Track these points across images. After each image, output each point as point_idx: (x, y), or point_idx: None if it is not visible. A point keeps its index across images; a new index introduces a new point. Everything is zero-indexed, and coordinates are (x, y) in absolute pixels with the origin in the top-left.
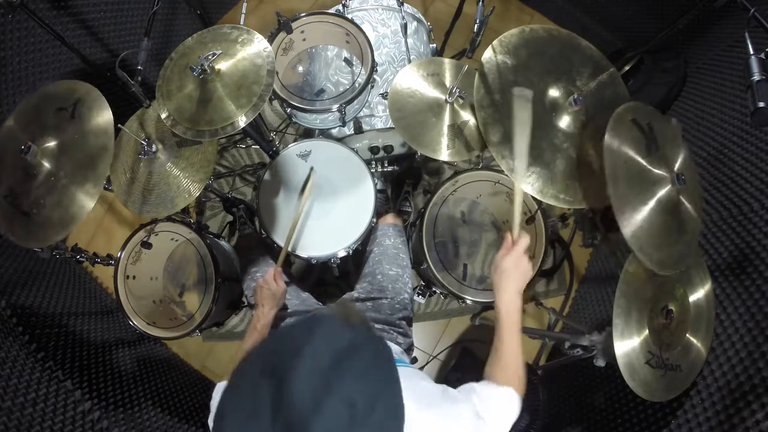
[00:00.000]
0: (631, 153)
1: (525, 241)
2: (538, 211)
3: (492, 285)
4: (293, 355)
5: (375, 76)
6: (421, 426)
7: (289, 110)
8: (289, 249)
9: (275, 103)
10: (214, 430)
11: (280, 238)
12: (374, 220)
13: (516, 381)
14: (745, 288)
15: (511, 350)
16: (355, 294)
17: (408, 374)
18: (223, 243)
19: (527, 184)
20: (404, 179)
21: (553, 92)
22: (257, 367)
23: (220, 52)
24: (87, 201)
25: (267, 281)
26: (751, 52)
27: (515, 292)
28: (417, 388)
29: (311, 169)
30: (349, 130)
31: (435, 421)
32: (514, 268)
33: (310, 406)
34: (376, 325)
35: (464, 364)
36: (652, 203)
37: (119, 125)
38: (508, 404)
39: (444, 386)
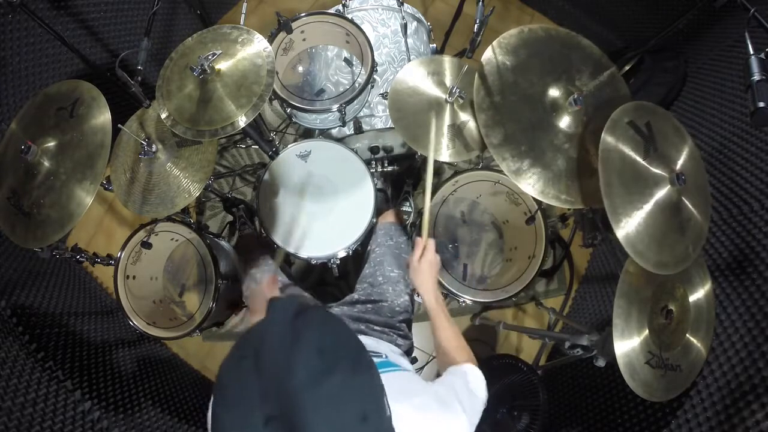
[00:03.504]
0: (629, 156)
1: (432, 242)
2: (538, 211)
3: (415, 285)
4: (258, 337)
5: (375, 76)
6: (413, 428)
7: (289, 110)
8: (289, 250)
9: (275, 103)
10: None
11: (280, 238)
12: (374, 220)
13: (471, 356)
14: (745, 288)
15: (454, 334)
16: (355, 296)
17: (403, 378)
18: (223, 243)
19: (527, 185)
20: (404, 179)
21: (553, 92)
22: (236, 356)
23: (220, 52)
24: (85, 198)
25: (263, 290)
26: (751, 52)
27: (436, 286)
28: (410, 392)
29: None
30: (349, 130)
31: (427, 424)
32: (430, 266)
33: (284, 365)
34: (376, 327)
35: None
36: (650, 205)
37: (119, 125)
38: (477, 379)
39: (435, 389)
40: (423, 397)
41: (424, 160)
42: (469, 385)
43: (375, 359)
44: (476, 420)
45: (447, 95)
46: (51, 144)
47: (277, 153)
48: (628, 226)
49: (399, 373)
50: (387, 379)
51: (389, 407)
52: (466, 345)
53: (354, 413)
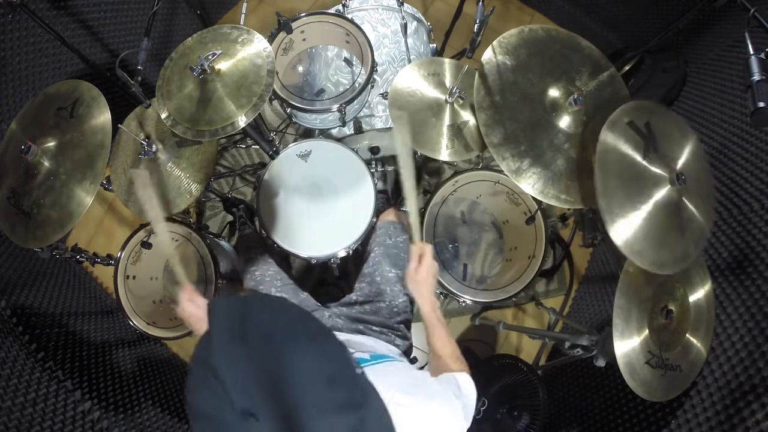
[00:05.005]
0: (627, 155)
1: (429, 247)
2: (538, 211)
3: (413, 294)
4: (209, 349)
5: (375, 76)
6: (414, 413)
7: (289, 110)
8: (289, 249)
9: (275, 103)
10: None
11: (280, 238)
12: (374, 220)
13: (464, 366)
14: (745, 288)
15: (449, 342)
16: (353, 296)
17: (394, 367)
18: (223, 243)
19: (527, 185)
20: None
21: (553, 92)
22: (197, 377)
23: (220, 52)
24: (85, 198)
25: (184, 308)
26: (751, 52)
27: (433, 294)
28: (409, 379)
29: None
30: (349, 130)
31: (427, 410)
32: (428, 276)
33: (239, 365)
34: (374, 328)
35: None
36: (649, 205)
37: (119, 125)
38: (468, 387)
39: (429, 381)
40: (416, 385)
41: (426, 159)
42: (461, 390)
43: (368, 353)
44: (468, 420)
45: (447, 95)
46: (51, 144)
47: (277, 153)
48: (624, 227)
49: (390, 363)
50: (378, 369)
51: (362, 369)
52: (460, 354)
53: (319, 379)
